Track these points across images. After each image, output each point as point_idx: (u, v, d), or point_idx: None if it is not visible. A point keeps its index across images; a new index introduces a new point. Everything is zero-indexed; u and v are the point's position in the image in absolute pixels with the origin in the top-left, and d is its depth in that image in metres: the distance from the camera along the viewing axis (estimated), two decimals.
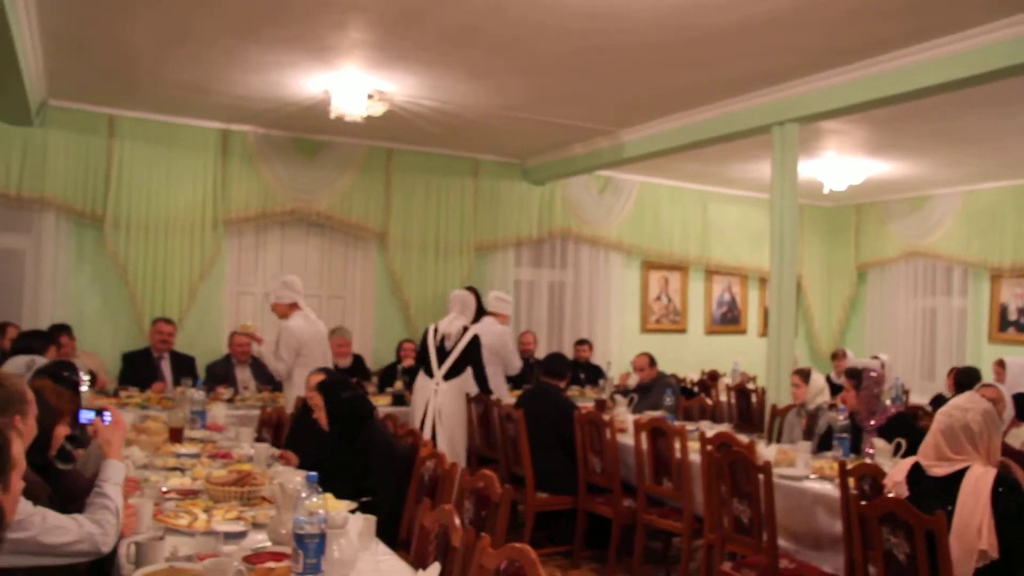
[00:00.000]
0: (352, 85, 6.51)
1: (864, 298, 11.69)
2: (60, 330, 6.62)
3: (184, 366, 7.29)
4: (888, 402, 5.33)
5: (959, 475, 3.20)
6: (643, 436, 5.35)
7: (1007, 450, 4.11)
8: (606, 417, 5.68)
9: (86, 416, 2.94)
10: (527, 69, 6.23)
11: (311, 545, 2.39)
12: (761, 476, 4.17)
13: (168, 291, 7.96)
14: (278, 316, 6.50)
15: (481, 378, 6.72)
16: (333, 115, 6.67)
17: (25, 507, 2.35)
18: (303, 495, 2.42)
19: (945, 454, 3.27)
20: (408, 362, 8.09)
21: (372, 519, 3.00)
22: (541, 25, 5.26)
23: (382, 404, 6.65)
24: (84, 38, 5.88)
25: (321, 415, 4.38)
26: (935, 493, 3.24)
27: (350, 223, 8.85)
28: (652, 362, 7.31)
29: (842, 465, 3.95)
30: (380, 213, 9.00)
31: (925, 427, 5.17)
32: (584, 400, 7.50)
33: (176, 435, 4.75)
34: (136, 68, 6.53)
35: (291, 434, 5.06)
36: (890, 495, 3.38)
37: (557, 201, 9.98)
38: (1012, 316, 9.95)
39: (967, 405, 3.31)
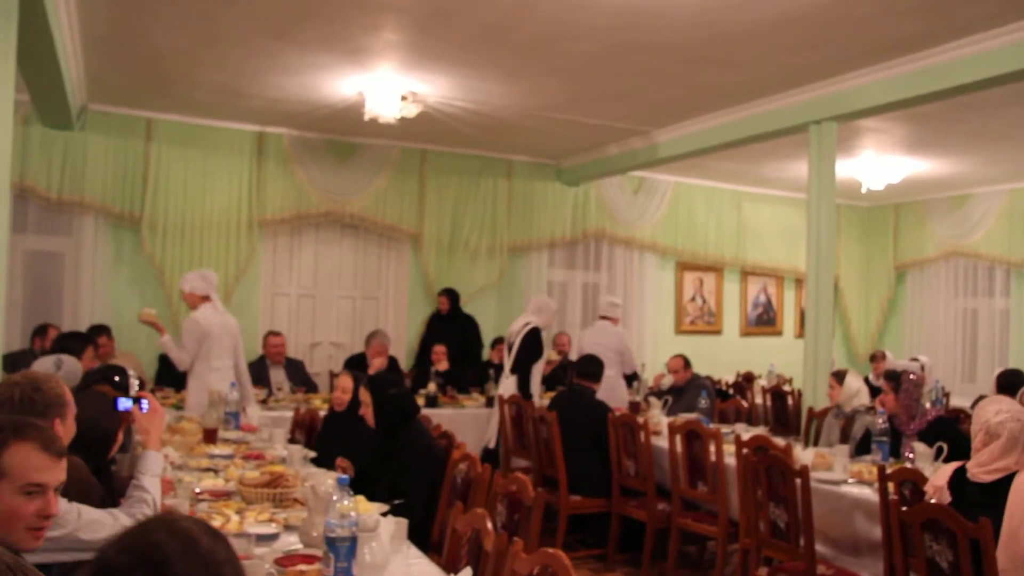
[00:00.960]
0: (386, 87, 6.53)
1: (903, 299, 11.49)
2: (99, 331, 6.71)
3: None
4: (928, 405, 5.23)
5: (1006, 481, 3.11)
6: (678, 439, 5.29)
7: None
8: (640, 419, 5.63)
9: (124, 404, 2.92)
10: (560, 69, 6.20)
11: (342, 548, 2.38)
12: (798, 480, 4.11)
13: None
14: (188, 306, 6.42)
15: (523, 375, 6.99)
16: (367, 117, 6.69)
17: (61, 504, 2.35)
18: (335, 498, 2.41)
19: (998, 459, 3.19)
20: (441, 365, 8.10)
21: (404, 522, 2.98)
22: (574, 24, 5.23)
23: None
24: (123, 43, 5.96)
25: (368, 412, 4.38)
26: (980, 500, 3.16)
27: (384, 225, 8.88)
28: (687, 364, 7.23)
29: (881, 469, 3.87)
30: (414, 214, 9.02)
31: (967, 431, 5.08)
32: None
33: (210, 436, 4.79)
34: (173, 72, 6.60)
35: (323, 434, 5.07)
36: (931, 500, 3.31)
37: (591, 202, 9.94)
38: None
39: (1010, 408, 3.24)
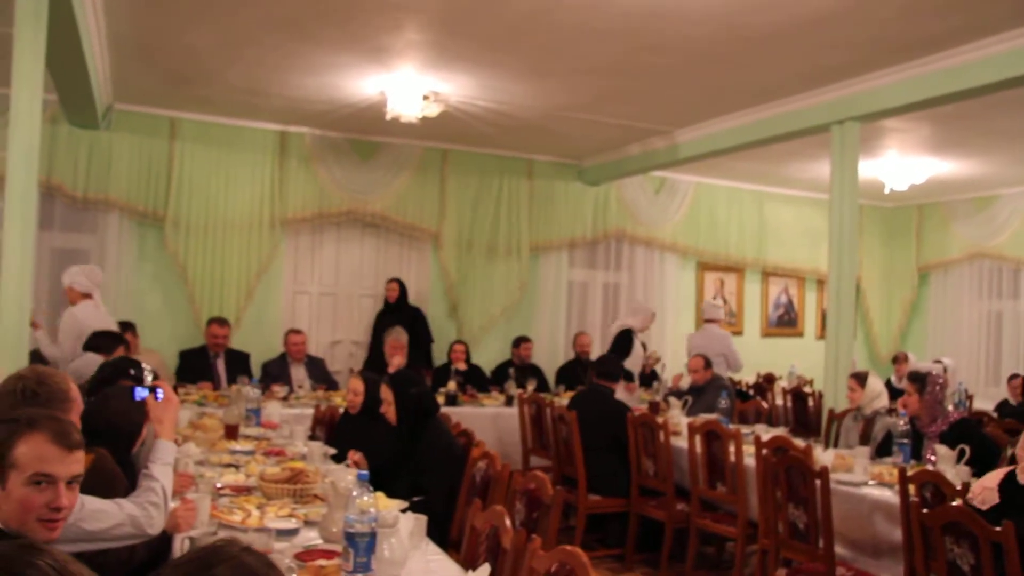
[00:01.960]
0: (407, 86, 6.56)
1: (926, 301, 11.39)
2: (125, 327, 6.78)
3: (239, 363, 7.41)
4: (951, 407, 5.19)
5: None
6: (697, 439, 5.28)
7: None
8: (660, 419, 5.62)
9: (140, 393, 2.95)
10: (582, 69, 6.20)
11: (361, 544, 2.40)
12: (818, 481, 4.09)
13: (226, 290, 8.12)
14: (69, 301, 6.34)
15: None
16: (389, 116, 6.73)
17: None
18: (354, 494, 2.43)
19: None
20: (460, 364, 8.12)
21: (423, 518, 3.00)
22: (595, 24, 5.23)
23: None
24: (148, 44, 6.03)
25: (390, 410, 4.40)
26: None
27: (405, 224, 8.91)
28: (707, 364, 7.21)
29: (902, 471, 3.85)
30: (435, 214, 9.05)
31: (990, 434, 5.04)
32: (638, 402, 7.44)
33: (231, 432, 4.83)
34: (197, 72, 6.67)
35: (338, 434, 5.08)
36: (974, 501, 3.28)
37: (612, 202, 9.92)
38: None
39: None
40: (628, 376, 7.47)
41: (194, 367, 7.29)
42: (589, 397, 6.12)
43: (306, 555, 2.69)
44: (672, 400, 6.87)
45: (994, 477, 3.36)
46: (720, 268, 10.79)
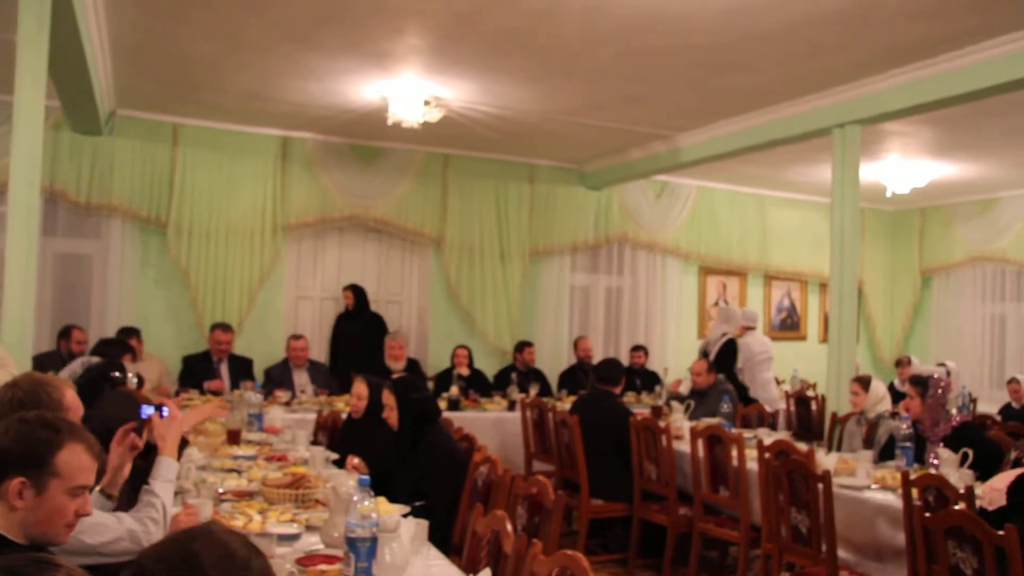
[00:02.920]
0: (409, 91, 6.57)
1: (929, 304, 11.38)
2: (129, 333, 6.80)
3: (242, 369, 7.42)
4: (954, 411, 5.18)
5: None
6: (700, 443, 5.28)
7: None
8: (662, 424, 5.62)
9: (146, 411, 2.97)
10: (583, 73, 6.21)
11: (363, 548, 2.40)
12: (820, 485, 4.08)
13: (228, 295, 8.12)
14: None
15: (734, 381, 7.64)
16: (390, 121, 6.74)
17: None
18: (356, 498, 2.43)
19: None
20: (462, 369, 8.12)
21: (424, 523, 3.00)
22: (596, 28, 5.24)
23: None
24: (151, 50, 6.04)
25: (392, 415, 4.40)
26: None
27: (407, 229, 8.92)
28: (710, 368, 7.20)
29: (905, 475, 3.84)
30: (437, 219, 9.06)
31: (994, 437, 5.03)
32: (640, 406, 7.44)
33: (234, 437, 4.83)
34: (200, 78, 6.69)
35: (342, 439, 5.09)
36: (982, 502, 3.28)
37: (614, 206, 9.93)
38: None
39: None
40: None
41: (197, 373, 7.29)
42: (591, 401, 6.11)
43: (307, 560, 2.70)
44: (674, 404, 6.87)
45: (1004, 479, 3.35)
46: (722, 272, 10.79)
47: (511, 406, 7.30)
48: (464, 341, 8.81)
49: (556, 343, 9.65)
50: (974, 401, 8.41)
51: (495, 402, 7.55)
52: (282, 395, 6.78)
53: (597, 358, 9.16)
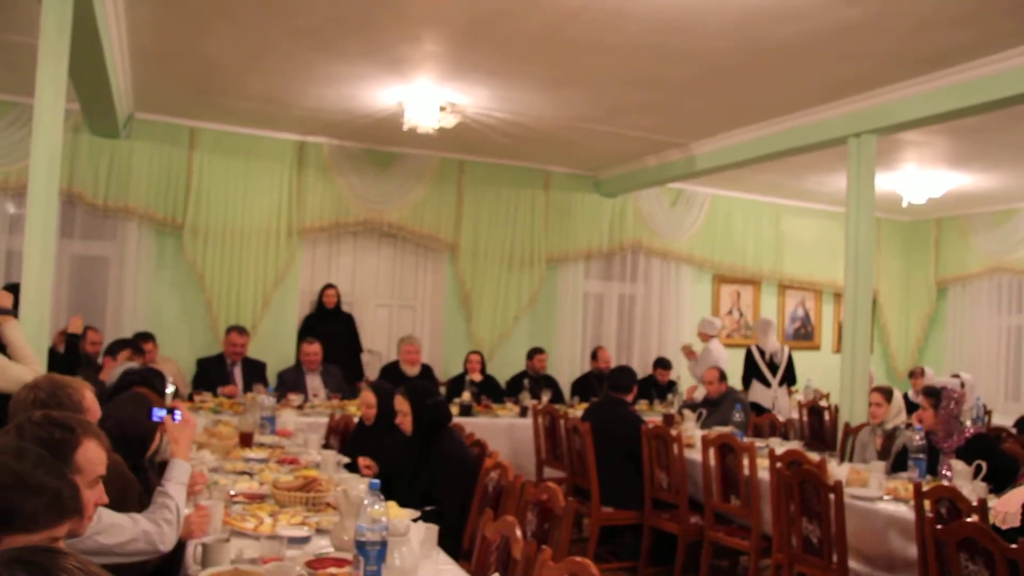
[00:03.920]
0: (425, 97, 6.59)
1: (944, 315, 11.31)
2: (145, 337, 6.84)
3: (255, 372, 7.44)
4: (968, 423, 5.14)
5: None
6: (711, 452, 5.26)
7: None
8: (674, 432, 5.61)
9: (158, 414, 2.99)
10: (598, 80, 6.22)
11: (372, 552, 2.40)
12: (832, 496, 4.07)
13: (243, 298, 8.17)
14: None
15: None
16: (406, 127, 6.76)
17: None
18: (366, 502, 2.44)
19: None
20: (475, 375, 8.12)
21: (434, 528, 3.00)
22: (612, 36, 5.25)
23: None
24: (169, 54, 6.09)
25: (406, 421, 4.41)
26: None
27: (421, 234, 8.95)
28: (723, 377, 7.19)
29: (917, 487, 3.82)
30: (451, 224, 9.08)
31: (1008, 450, 5.00)
32: (652, 414, 7.42)
33: (246, 440, 4.85)
34: (217, 82, 6.73)
35: (353, 444, 5.10)
36: (994, 518, 3.25)
37: (628, 213, 9.92)
38: None
39: None
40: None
41: (211, 375, 7.33)
42: (603, 409, 6.10)
43: (317, 563, 2.70)
44: (686, 412, 6.86)
45: (1017, 497, 3.32)
46: (736, 280, 10.76)
47: (523, 412, 7.30)
48: (475, 347, 8.82)
49: (570, 350, 9.65)
50: (989, 413, 8.34)
51: (507, 408, 7.55)
52: (295, 399, 6.81)
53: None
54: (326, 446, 5.29)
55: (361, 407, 5.04)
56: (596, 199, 9.81)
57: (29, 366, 3.89)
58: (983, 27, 4.87)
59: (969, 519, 3.41)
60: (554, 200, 9.56)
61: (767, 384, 8.32)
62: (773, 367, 8.36)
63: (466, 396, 7.22)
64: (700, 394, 7.46)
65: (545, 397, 7.62)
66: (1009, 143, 7.37)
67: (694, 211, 10.30)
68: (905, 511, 4.10)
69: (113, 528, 2.43)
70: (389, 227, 8.81)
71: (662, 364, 9.09)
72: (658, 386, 8.89)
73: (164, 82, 6.82)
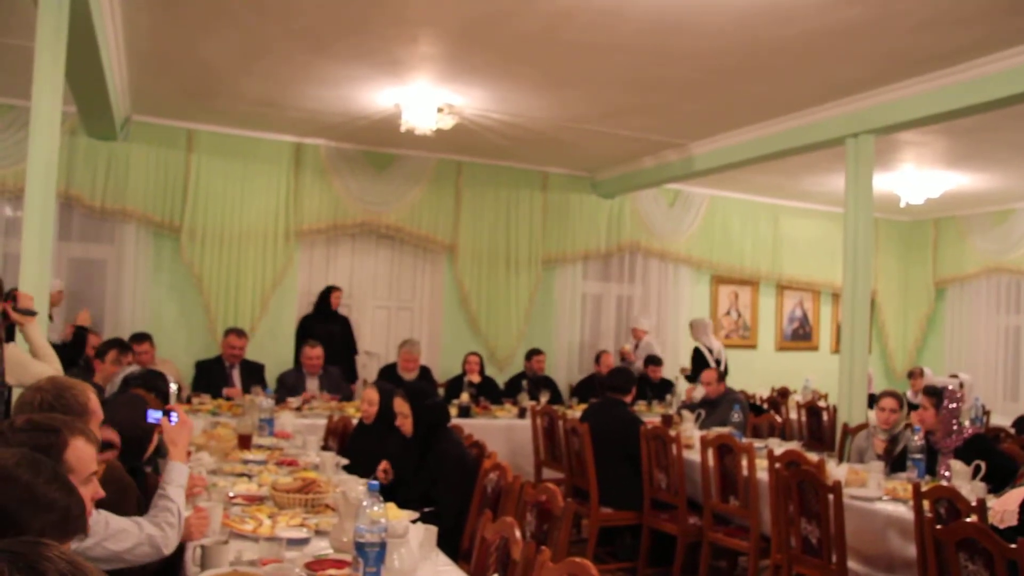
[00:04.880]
0: (422, 99, 6.59)
1: (942, 315, 11.32)
2: (142, 338, 6.83)
3: (254, 374, 7.43)
4: (967, 423, 5.14)
5: None
6: (710, 452, 5.26)
7: None
8: (672, 433, 5.60)
9: (154, 416, 2.98)
10: (596, 82, 6.22)
11: (371, 554, 2.40)
12: (831, 496, 4.07)
13: (241, 300, 8.17)
14: None
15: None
16: (403, 128, 6.76)
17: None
18: (365, 504, 2.43)
19: None
20: (473, 376, 8.11)
21: (433, 529, 3.00)
22: (609, 37, 5.25)
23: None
24: (167, 56, 6.09)
25: (406, 422, 4.41)
26: None
27: (419, 235, 8.95)
28: (721, 377, 7.19)
29: (916, 487, 3.82)
30: (449, 226, 9.08)
31: (1007, 450, 4.99)
32: (650, 415, 7.42)
33: (245, 442, 4.84)
34: (215, 84, 6.73)
35: (352, 445, 5.10)
36: (992, 518, 3.25)
37: (626, 214, 9.93)
38: None
39: None
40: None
41: (210, 377, 7.32)
42: (601, 410, 6.10)
43: (316, 565, 2.70)
44: (685, 413, 6.85)
45: (1015, 497, 3.32)
46: (734, 281, 10.77)
47: (521, 413, 7.30)
48: (475, 349, 8.82)
49: (568, 351, 9.65)
50: (987, 413, 8.35)
51: (506, 409, 7.55)
52: (294, 400, 6.80)
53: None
54: (325, 447, 5.28)
55: (362, 405, 5.04)
56: (594, 200, 9.81)
57: (49, 364, 3.93)
58: (980, 28, 4.87)
59: (968, 519, 3.41)
60: (552, 201, 9.57)
61: None
62: (717, 363, 8.72)
63: (465, 397, 7.21)
64: (699, 395, 7.46)
65: (543, 398, 7.61)
66: (1006, 143, 7.38)
67: (692, 212, 10.30)
68: (904, 511, 4.10)
69: (119, 534, 2.44)
70: (387, 229, 8.81)
71: (653, 361, 9.10)
72: (651, 384, 8.89)
73: (161, 85, 6.82)
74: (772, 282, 10.98)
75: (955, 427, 4.80)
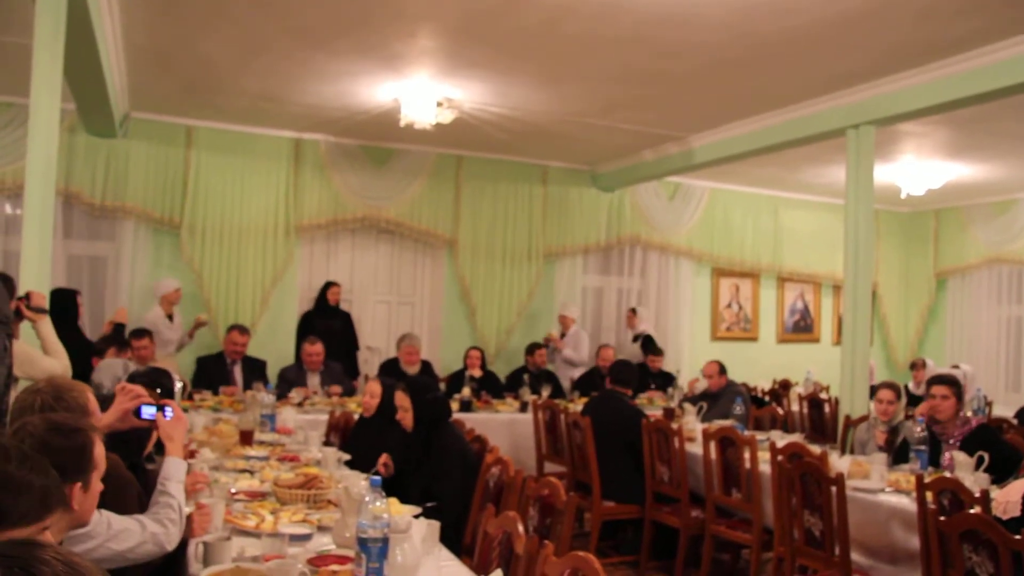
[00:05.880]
0: (421, 93, 6.58)
1: (944, 306, 11.31)
2: (141, 334, 6.82)
3: (255, 370, 7.43)
4: (970, 414, 5.13)
5: None
6: (712, 445, 5.26)
7: None
8: (674, 425, 5.60)
9: (148, 412, 2.97)
10: (596, 75, 6.21)
11: (374, 549, 2.40)
12: (834, 488, 4.06)
13: (241, 296, 8.16)
14: None
15: None
16: (403, 123, 6.75)
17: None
18: (367, 499, 2.43)
19: None
20: (475, 371, 8.11)
21: (436, 524, 3.00)
22: (609, 31, 5.23)
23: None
24: (165, 53, 6.07)
25: (407, 417, 4.41)
26: None
27: (420, 230, 8.94)
28: (722, 370, 7.18)
29: (919, 479, 3.81)
30: (449, 220, 9.07)
31: (1010, 440, 4.99)
32: (652, 408, 7.42)
33: (246, 438, 4.84)
34: (214, 80, 6.72)
35: (354, 439, 5.10)
36: (995, 509, 3.25)
37: (626, 207, 9.92)
38: None
39: None
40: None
41: (211, 374, 7.31)
42: (603, 403, 6.10)
43: (319, 560, 2.70)
44: (687, 406, 6.85)
45: (1018, 488, 3.31)
46: (735, 274, 10.76)
47: (523, 407, 7.30)
48: (476, 343, 8.82)
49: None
50: (989, 404, 8.35)
51: (507, 403, 7.54)
52: (295, 396, 6.80)
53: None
54: (327, 443, 5.28)
55: (364, 397, 5.04)
56: (594, 193, 9.80)
57: (58, 360, 4.01)
58: (980, 17, 4.86)
59: (972, 510, 3.41)
60: (552, 195, 9.56)
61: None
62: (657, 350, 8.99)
63: (466, 392, 7.21)
64: (701, 387, 7.46)
65: (545, 392, 7.62)
66: (1007, 133, 7.36)
67: (692, 204, 10.29)
68: (907, 503, 4.10)
69: (122, 534, 2.45)
70: (387, 223, 8.81)
71: (653, 351, 9.11)
72: (651, 374, 8.89)
73: (160, 81, 6.80)
74: (773, 274, 10.97)
75: (961, 417, 4.80)
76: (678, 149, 8.34)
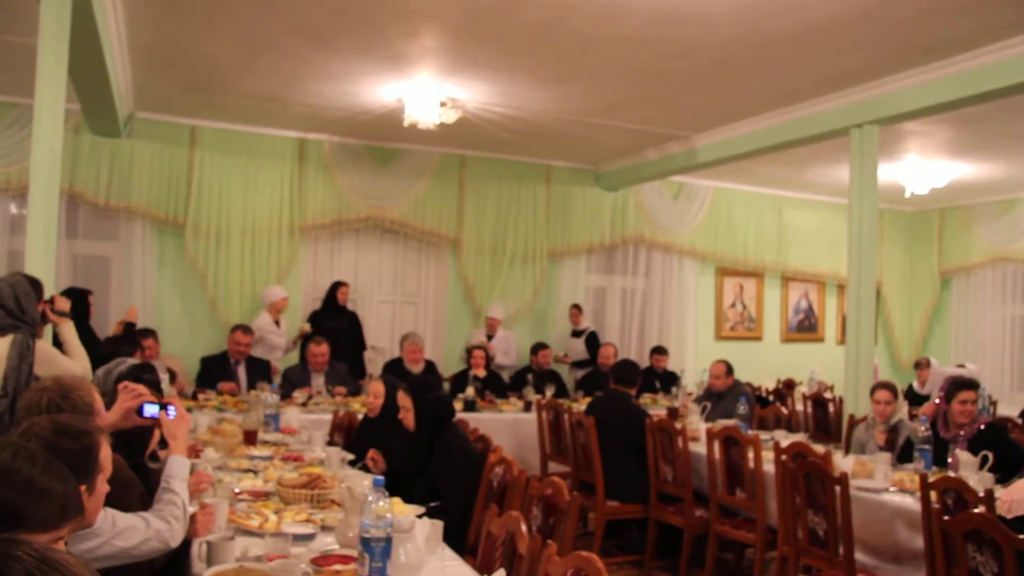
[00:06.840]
0: (425, 93, 6.58)
1: (948, 306, 11.29)
2: (146, 334, 6.84)
3: (259, 370, 7.43)
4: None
5: None
6: (716, 445, 5.26)
7: None
8: (678, 425, 5.60)
9: (150, 410, 2.97)
10: (599, 75, 6.21)
11: (377, 549, 2.40)
12: (838, 488, 4.06)
13: (245, 296, 8.17)
14: None
15: None
16: (406, 123, 6.76)
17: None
18: (371, 499, 2.43)
19: None
20: (479, 371, 8.10)
21: (439, 524, 3.00)
22: (613, 30, 5.23)
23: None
24: (170, 53, 6.08)
25: (408, 416, 4.41)
26: None
27: (423, 230, 8.94)
28: (729, 370, 7.16)
29: (923, 478, 3.81)
30: (453, 220, 9.07)
31: (1016, 439, 4.97)
32: (656, 408, 7.41)
33: (250, 438, 4.85)
34: (218, 80, 6.73)
35: (358, 439, 5.11)
36: (1001, 510, 3.24)
37: (630, 207, 9.91)
38: None
39: None
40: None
41: (215, 374, 7.31)
42: (607, 402, 6.09)
43: (322, 560, 2.70)
44: (691, 406, 6.84)
45: (1021, 488, 3.31)
46: (739, 273, 10.75)
47: (527, 407, 7.30)
48: (479, 343, 8.80)
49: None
50: (994, 403, 8.33)
51: (511, 403, 7.54)
52: (299, 396, 6.80)
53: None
54: (330, 443, 5.28)
55: (368, 397, 5.04)
56: (597, 193, 9.80)
57: (79, 362, 4.05)
58: (984, 16, 4.85)
59: (976, 510, 3.40)
60: (556, 194, 9.56)
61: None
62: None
63: (470, 391, 7.21)
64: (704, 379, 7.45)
65: (549, 392, 7.61)
66: (1011, 132, 7.34)
67: (696, 204, 10.28)
68: (911, 502, 4.09)
69: (127, 531, 2.45)
70: (391, 223, 8.81)
71: (658, 351, 9.11)
72: (657, 373, 8.89)
73: (164, 81, 6.82)
74: (777, 274, 10.96)
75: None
76: (682, 148, 8.33)
